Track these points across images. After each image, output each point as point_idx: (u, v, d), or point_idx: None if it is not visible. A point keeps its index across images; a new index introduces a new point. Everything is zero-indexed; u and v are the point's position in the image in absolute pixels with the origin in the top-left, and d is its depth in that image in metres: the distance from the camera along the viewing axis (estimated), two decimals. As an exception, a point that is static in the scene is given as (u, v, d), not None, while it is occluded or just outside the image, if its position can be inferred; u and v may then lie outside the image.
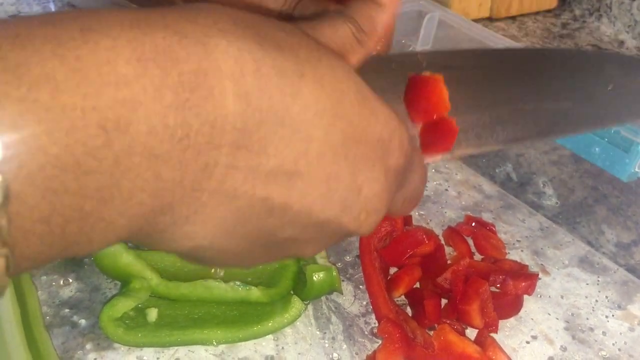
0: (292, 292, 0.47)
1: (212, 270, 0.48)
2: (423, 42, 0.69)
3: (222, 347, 0.45)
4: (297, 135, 0.25)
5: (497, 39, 0.65)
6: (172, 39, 0.22)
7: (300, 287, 0.47)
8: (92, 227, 0.22)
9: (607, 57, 0.47)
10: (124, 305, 0.43)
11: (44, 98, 0.19)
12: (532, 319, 0.50)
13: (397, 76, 0.35)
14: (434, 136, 0.34)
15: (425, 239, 0.51)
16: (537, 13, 1.02)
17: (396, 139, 0.29)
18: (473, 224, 0.56)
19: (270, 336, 0.46)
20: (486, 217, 0.59)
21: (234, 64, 0.23)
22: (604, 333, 0.49)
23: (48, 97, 0.19)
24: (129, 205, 0.22)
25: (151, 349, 0.44)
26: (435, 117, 0.33)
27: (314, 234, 0.28)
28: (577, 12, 1.00)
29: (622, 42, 0.93)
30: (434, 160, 0.35)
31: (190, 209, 0.24)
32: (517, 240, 0.57)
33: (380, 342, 0.45)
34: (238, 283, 0.46)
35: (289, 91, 0.24)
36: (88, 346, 0.44)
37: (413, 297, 0.49)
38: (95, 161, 0.20)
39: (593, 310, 0.51)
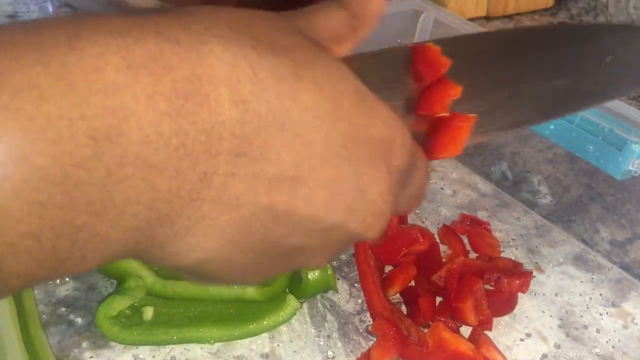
0: (287, 290, 0.48)
1: None
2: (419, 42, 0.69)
3: (217, 345, 0.45)
4: (298, 139, 0.24)
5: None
6: (164, 46, 0.21)
7: (296, 286, 0.47)
8: (85, 243, 0.20)
9: (602, 28, 0.45)
10: (119, 304, 0.44)
11: (28, 107, 0.18)
12: (526, 316, 0.50)
13: (391, 70, 0.34)
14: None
15: (420, 238, 0.51)
16: (533, 12, 1.02)
17: (398, 138, 0.28)
18: (468, 222, 0.57)
19: (265, 334, 0.46)
20: (481, 215, 0.59)
21: (229, 70, 0.22)
22: (597, 331, 0.49)
23: (32, 106, 0.18)
24: (123, 218, 0.21)
25: (147, 347, 0.44)
26: (435, 78, 0.32)
27: (320, 240, 0.27)
28: (574, 10, 1.00)
29: (618, 41, 0.93)
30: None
31: (190, 220, 0.23)
32: (512, 239, 0.57)
33: (374, 339, 0.45)
34: (233, 281, 0.46)
35: (288, 95, 0.23)
36: (84, 344, 0.44)
37: (408, 295, 0.50)
38: (85, 173, 0.19)
39: (587, 308, 0.51)
